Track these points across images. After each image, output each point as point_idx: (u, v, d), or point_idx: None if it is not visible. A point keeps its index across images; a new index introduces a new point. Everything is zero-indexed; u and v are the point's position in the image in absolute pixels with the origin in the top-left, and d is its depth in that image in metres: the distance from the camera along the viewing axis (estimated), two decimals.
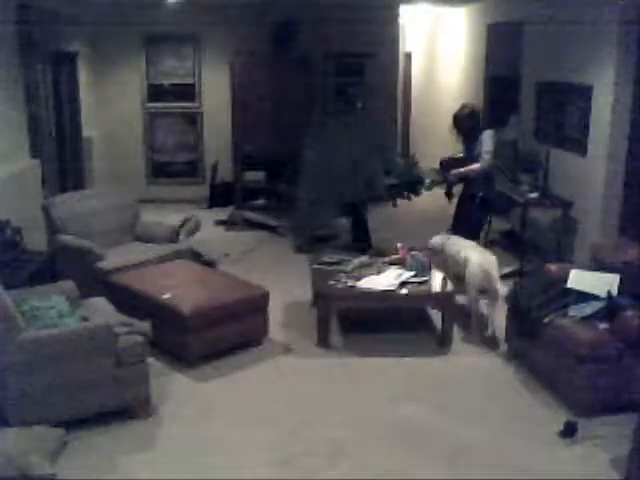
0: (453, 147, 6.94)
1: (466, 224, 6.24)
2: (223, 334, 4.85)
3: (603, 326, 4.18)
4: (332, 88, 9.75)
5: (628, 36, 5.69)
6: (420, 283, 5.11)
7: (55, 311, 4.03)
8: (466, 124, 6.19)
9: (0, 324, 3.67)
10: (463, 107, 6.36)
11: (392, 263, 5.47)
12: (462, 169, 6.21)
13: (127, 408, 4.06)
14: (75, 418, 3.87)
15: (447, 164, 6.82)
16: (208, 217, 8.82)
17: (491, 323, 5.11)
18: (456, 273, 5.30)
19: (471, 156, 6.18)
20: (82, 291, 4.58)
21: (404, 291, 5.02)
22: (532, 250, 6.76)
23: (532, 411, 4.25)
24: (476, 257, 5.11)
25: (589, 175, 6.21)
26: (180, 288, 4.96)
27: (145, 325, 4.14)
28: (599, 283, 4.47)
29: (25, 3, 6.62)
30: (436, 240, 5.71)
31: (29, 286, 4.62)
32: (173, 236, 6.29)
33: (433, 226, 6.77)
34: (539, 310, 4.47)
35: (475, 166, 6.08)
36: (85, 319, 4.16)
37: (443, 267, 5.44)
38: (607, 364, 4.06)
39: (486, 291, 5.08)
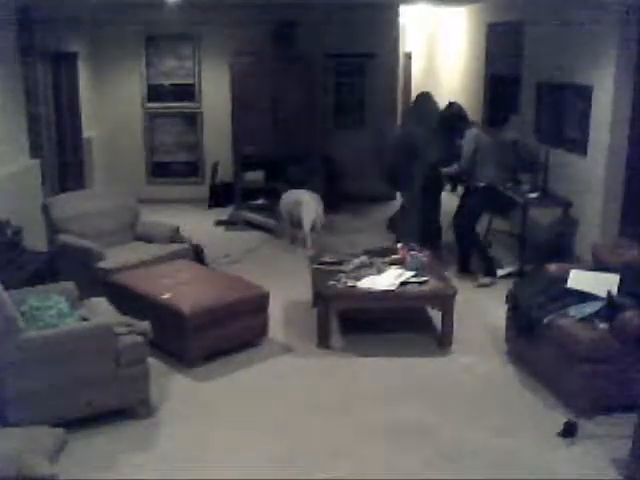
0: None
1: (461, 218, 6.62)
2: (223, 334, 4.85)
3: (603, 326, 4.18)
4: (332, 88, 9.77)
5: (628, 36, 5.68)
6: (420, 283, 5.11)
7: (55, 311, 4.03)
8: (451, 121, 6.59)
9: (0, 324, 3.67)
10: (450, 105, 6.77)
11: (392, 263, 5.47)
12: (445, 169, 6.68)
13: (127, 408, 4.06)
14: (75, 418, 3.87)
15: None
16: (208, 217, 8.83)
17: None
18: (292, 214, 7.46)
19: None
20: (82, 291, 4.58)
21: (404, 291, 5.02)
22: (532, 250, 6.76)
23: (532, 411, 4.25)
24: (307, 198, 7.45)
25: (589, 175, 6.21)
26: (180, 288, 4.95)
27: (145, 325, 4.14)
28: (599, 283, 4.46)
29: (25, 3, 6.63)
30: (292, 195, 7.60)
31: (29, 286, 4.62)
32: (173, 236, 6.29)
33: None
34: (539, 310, 4.47)
35: (453, 167, 6.55)
36: (85, 319, 4.16)
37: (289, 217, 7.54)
38: (607, 364, 4.06)
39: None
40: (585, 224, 6.30)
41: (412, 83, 13.12)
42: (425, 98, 7.52)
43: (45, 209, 5.98)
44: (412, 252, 5.51)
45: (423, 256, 5.46)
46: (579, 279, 4.58)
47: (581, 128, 6.32)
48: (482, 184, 6.35)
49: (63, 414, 3.82)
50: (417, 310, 5.61)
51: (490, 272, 6.43)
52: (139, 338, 4.04)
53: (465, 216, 6.58)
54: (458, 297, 5.10)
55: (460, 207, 6.73)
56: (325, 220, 7.75)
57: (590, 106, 6.14)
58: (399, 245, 5.83)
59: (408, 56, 13.12)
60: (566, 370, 4.20)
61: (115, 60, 9.51)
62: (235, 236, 8.15)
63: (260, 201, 9.06)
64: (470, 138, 6.34)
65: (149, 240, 6.24)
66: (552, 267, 5.03)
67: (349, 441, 3.91)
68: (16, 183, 6.24)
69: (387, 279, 5.13)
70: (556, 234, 6.62)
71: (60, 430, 3.59)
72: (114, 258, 5.67)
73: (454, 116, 6.59)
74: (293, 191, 7.86)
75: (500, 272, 6.49)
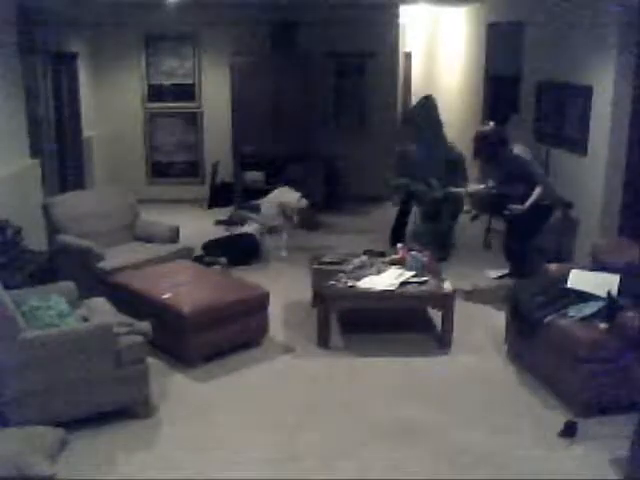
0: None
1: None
2: (223, 334, 4.85)
3: (603, 326, 4.18)
4: (332, 88, 9.77)
5: (628, 36, 5.68)
6: (420, 283, 5.11)
7: (55, 311, 4.03)
8: (490, 145, 6.00)
9: (0, 324, 3.67)
10: (484, 126, 6.26)
11: (392, 263, 5.47)
12: (527, 203, 5.81)
13: (127, 408, 4.06)
14: (75, 418, 3.87)
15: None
16: (208, 217, 8.83)
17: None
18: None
19: (506, 181, 5.94)
20: (82, 291, 4.58)
21: (404, 291, 5.02)
22: (532, 250, 6.75)
23: (532, 411, 4.25)
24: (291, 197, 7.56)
25: (589, 175, 6.21)
26: (180, 288, 4.96)
27: (145, 325, 4.14)
28: (599, 283, 4.47)
29: (25, 3, 6.63)
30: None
31: (29, 286, 4.63)
32: (173, 236, 6.29)
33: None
34: (539, 310, 4.47)
35: (537, 191, 5.80)
36: (85, 319, 4.16)
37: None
38: (607, 364, 4.06)
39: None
40: (585, 224, 6.30)
41: (412, 83, 13.12)
42: (427, 103, 7.15)
43: (45, 209, 5.98)
44: (412, 252, 5.51)
45: (423, 256, 5.46)
46: (579, 279, 4.58)
47: (581, 128, 6.32)
48: (546, 202, 5.92)
49: (63, 414, 3.82)
50: (417, 310, 5.61)
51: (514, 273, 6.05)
52: (139, 338, 4.04)
53: (522, 238, 6.05)
54: (458, 297, 5.10)
55: (515, 228, 6.11)
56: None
57: (590, 106, 6.14)
58: (399, 245, 5.83)
59: (408, 56, 13.11)
60: (566, 370, 4.20)
61: (115, 60, 9.51)
62: None
63: (260, 201, 9.05)
64: (528, 156, 5.81)
65: (149, 240, 6.24)
66: (552, 267, 5.03)
67: (349, 441, 3.91)
68: (16, 183, 6.24)
69: (387, 279, 5.13)
70: (556, 234, 6.62)
71: (60, 430, 3.60)
72: (114, 258, 5.66)
73: (497, 136, 6.02)
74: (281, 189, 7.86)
75: (498, 273, 6.48)
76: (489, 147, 6.01)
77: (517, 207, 5.84)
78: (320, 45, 9.33)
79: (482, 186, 6.57)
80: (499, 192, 6.11)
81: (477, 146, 6.18)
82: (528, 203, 5.81)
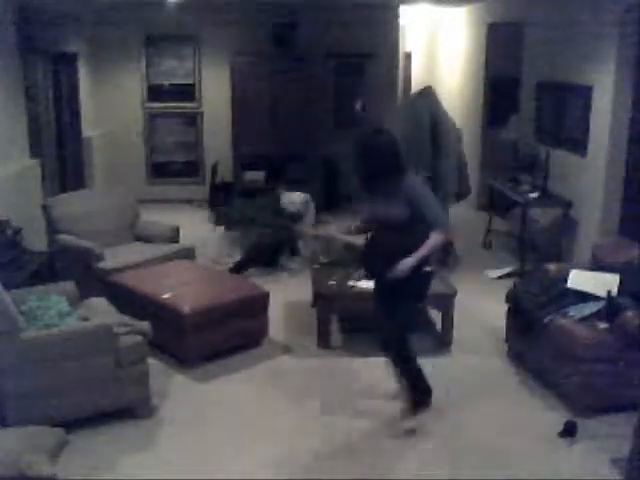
0: None
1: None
2: (223, 334, 4.84)
3: (603, 326, 4.18)
4: (332, 88, 9.77)
5: (628, 36, 5.68)
6: None
7: (55, 311, 4.03)
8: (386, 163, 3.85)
9: (0, 324, 3.67)
10: (376, 132, 4.00)
11: None
12: (419, 254, 3.77)
13: (127, 408, 4.06)
14: (75, 418, 3.87)
15: None
16: (208, 217, 8.83)
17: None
18: None
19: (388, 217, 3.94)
20: (82, 291, 4.58)
21: None
22: (532, 250, 6.76)
23: (532, 411, 4.25)
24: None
25: (589, 175, 6.21)
26: (180, 288, 4.95)
27: (145, 325, 4.14)
28: (599, 283, 4.47)
29: (25, 3, 6.63)
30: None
31: (29, 286, 4.62)
32: (173, 236, 6.29)
33: None
34: (539, 310, 4.47)
35: (434, 240, 3.80)
36: (85, 319, 4.15)
37: None
38: (607, 364, 4.06)
39: None
40: (585, 224, 6.30)
41: (412, 83, 13.11)
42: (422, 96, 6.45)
43: (45, 209, 5.98)
44: None
45: None
46: (579, 279, 4.58)
47: (581, 128, 6.32)
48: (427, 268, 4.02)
49: (63, 414, 3.82)
50: (417, 310, 5.60)
51: (418, 403, 4.15)
52: (139, 338, 4.04)
53: (400, 321, 4.02)
54: (458, 297, 5.10)
55: (385, 303, 4.04)
56: None
57: (590, 106, 6.14)
58: None
59: (408, 56, 13.12)
60: (566, 370, 4.20)
61: (115, 60, 9.52)
62: (235, 236, 8.14)
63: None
64: (426, 188, 4.06)
65: (149, 240, 6.24)
66: (552, 267, 5.03)
67: (349, 441, 3.91)
68: (16, 183, 6.24)
69: None
70: (556, 234, 6.62)
71: (60, 430, 3.60)
72: (114, 258, 5.66)
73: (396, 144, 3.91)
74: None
75: (498, 273, 6.48)
76: (388, 158, 3.85)
77: (406, 261, 3.76)
78: (320, 45, 9.33)
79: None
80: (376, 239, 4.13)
81: (365, 157, 3.99)
82: (416, 257, 3.77)
